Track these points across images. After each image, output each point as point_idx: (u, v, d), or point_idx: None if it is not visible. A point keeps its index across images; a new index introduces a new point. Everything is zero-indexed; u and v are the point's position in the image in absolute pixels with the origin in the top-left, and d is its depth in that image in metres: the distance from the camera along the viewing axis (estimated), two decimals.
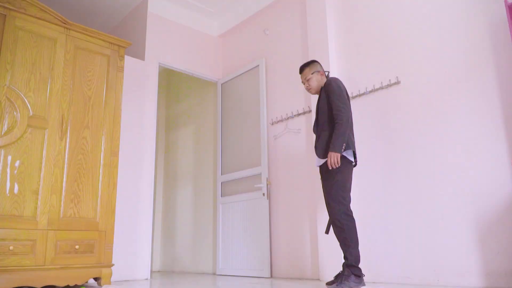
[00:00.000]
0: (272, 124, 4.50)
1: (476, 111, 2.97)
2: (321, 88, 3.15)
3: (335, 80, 3.06)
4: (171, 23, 5.00)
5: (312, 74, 3.17)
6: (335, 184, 2.86)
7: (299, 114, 4.23)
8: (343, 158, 2.87)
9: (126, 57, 4.28)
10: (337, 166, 2.79)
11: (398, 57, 3.50)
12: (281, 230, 4.19)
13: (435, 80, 3.23)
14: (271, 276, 4.14)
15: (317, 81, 3.17)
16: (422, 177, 3.19)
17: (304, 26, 4.35)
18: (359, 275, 2.75)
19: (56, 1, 4.84)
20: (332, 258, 3.57)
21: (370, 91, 3.63)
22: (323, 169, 2.98)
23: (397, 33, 3.54)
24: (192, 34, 5.19)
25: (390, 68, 3.53)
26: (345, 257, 2.81)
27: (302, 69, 3.24)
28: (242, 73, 4.92)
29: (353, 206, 3.60)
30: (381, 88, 3.55)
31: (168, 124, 6.49)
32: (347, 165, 2.91)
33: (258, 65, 4.72)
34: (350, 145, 2.91)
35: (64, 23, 3.38)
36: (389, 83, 3.51)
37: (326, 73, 3.25)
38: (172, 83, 6.57)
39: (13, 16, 3.12)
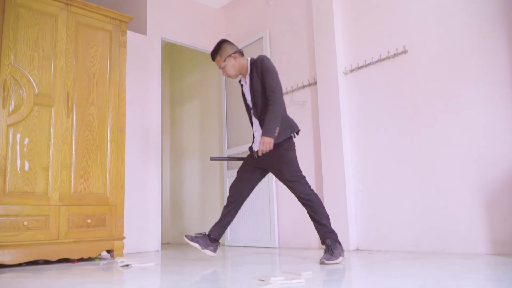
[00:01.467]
0: None
1: (485, 79, 2.94)
2: (251, 67, 2.84)
3: (267, 58, 2.79)
4: None
5: (224, 61, 2.85)
6: (290, 163, 2.73)
7: (304, 86, 4.21)
8: (290, 137, 2.76)
9: (128, 32, 4.24)
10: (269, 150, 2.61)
11: (405, 25, 3.44)
12: (288, 201, 4.24)
13: (443, 48, 3.19)
14: (279, 246, 4.21)
15: (233, 66, 2.85)
16: (429, 146, 3.20)
17: None
18: (340, 242, 2.65)
19: None
20: (340, 228, 3.62)
21: (377, 61, 3.59)
22: (270, 152, 2.69)
23: (404, 0, 3.47)
24: (194, 7, 5.11)
25: (397, 37, 3.48)
26: (324, 226, 2.65)
27: (213, 57, 2.92)
28: (246, 46, 4.87)
29: (359, 174, 3.63)
30: (388, 57, 3.51)
31: (172, 100, 6.48)
32: (293, 145, 2.79)
33: (262, 37, 4.66)
34: (294, 127, 2.79)
35: None
36: (396, 52, 3.47)
37: (240, 51, 2.90)
38: (175, 58, 6.53)
39: None
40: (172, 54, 6.59)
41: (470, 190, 2.94)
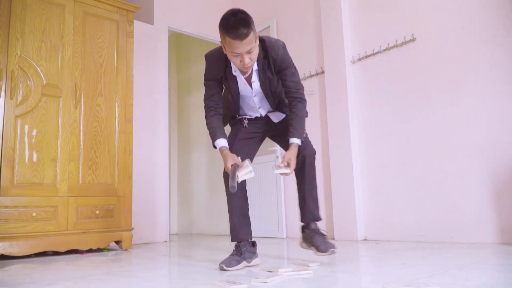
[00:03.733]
0: None
1: (495, 67, 2.89)
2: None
3: (285, 47, 2.14)
4: None
5: (256, 42, 1.93)
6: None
7: (311, 76, 4.17)
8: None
9: (135, 22, 4.22)
10: None
11: (414, 12, 3.38)
12: (295, 193, 4.22)
13: (452, 35, 3.13)
14: (287, 237, 4.22)
15: (257, 53, 2.00)
16: (437, 135, 3.16)
17: None
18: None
19: None
20: (347, 218, 3.61)
21: (385, 50, 3.54)
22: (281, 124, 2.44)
23: None
24: None
25: (405, 25, 3.43)
26: (316, 210, 2.32)
27: (244, 33, 1.80)
28: None
29: (367, 164, 3.60)
30: (396, 46, 3.46)
31: (180, 89, 6.47)
32: None
33: (269, 26, 4.62)
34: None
35: None
36: (404, 40, 3.42)
37: None
38: (182, 47, 6.50)
39: None
40: (179, 43, 6.56)
41: (478, 179, 2.91)
